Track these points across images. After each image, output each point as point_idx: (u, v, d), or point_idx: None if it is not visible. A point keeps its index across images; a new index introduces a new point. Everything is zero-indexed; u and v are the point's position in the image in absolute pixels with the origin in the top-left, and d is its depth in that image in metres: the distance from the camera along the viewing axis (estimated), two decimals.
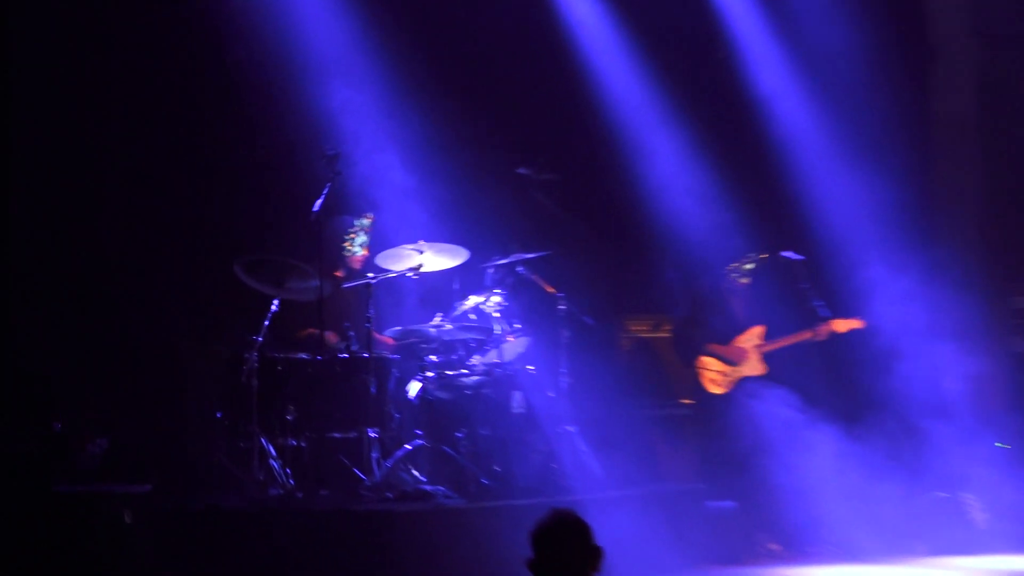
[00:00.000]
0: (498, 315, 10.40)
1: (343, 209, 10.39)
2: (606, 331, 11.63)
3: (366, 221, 10.30)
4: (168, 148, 11.00)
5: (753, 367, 11.30)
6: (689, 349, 11.32)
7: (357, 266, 10.40)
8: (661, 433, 11.41)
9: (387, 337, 10.36)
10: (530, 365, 10.44)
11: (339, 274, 10.46)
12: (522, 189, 11.71)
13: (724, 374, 11.29)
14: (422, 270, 10.18)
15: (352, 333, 9.95)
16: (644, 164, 11.82)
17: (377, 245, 10.43)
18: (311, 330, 10.04)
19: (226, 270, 10.04)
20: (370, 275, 10.04)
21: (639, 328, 12.06)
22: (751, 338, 11.33)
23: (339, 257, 10.36)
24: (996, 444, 10.74)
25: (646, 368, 11.80)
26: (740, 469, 10.74)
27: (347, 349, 9.90)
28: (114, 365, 10.80)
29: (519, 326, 10.53)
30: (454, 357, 10.34)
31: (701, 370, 11.33)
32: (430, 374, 10.15)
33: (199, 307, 11.02)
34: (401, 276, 10.16)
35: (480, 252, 10.60)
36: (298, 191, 10.41)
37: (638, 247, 11.93)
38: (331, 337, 9.95)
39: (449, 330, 10.21)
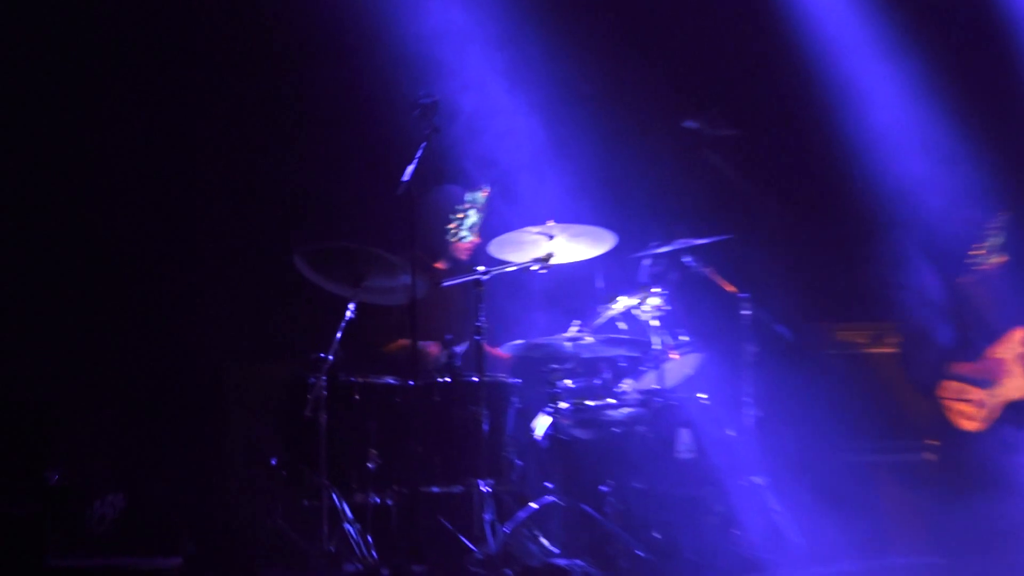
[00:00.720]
0: (657, 324, 9.48)
1: (445, 178, 9.64)
2: (808, 345, 10.55)
3: (481, 195, 9.55)
4: (196, 100, 10.15)
5: (1020, 386, 9.95)
6: (925, 371, 10.06)
7: (464, 256, 9.65)
8: (889, 487, 10.29)
9: (504, 353, 9.57)
10: (702, 393, 9.55)
11: (440, 266, 9.66)
12: (690, 151, 10.69)
13: (979, 403, 9.95)
14: (552, 262, 9.17)
15: (456, 349, 9.14)
16: (858, 113, 10.54)
17: (491, 228, 9.48)
18: (402, 342, 9.28)
19: (284, 264, 9.17)
20: (480, 269, 8.98)
21: (855, 340, 10.84)
22: (1013, 345, 9.99)
23: (439, 244, 9.61)
24: None
25: (866, 396, 10.54)
26: (1008, 541, 9.40)
27: (450, 370, 9.07)
28: (131, 394, 10.08)
29: (686, 339, 9.66)
30: (597, 382, 9.56)
31: (946, 401, 10.05)
32: (564, 405, 9.27)
33: (248, 315, 10.20)
34: (523, 270, 9.23)
35: (632, 237, 9.61)
36: (381, 155, 9.60)
37: (850, 228, 10.73)
38: (432, 349, 9.28)
39: (590, 344, 9.33)
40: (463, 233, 9.55)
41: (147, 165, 10.12)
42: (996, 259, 9.95)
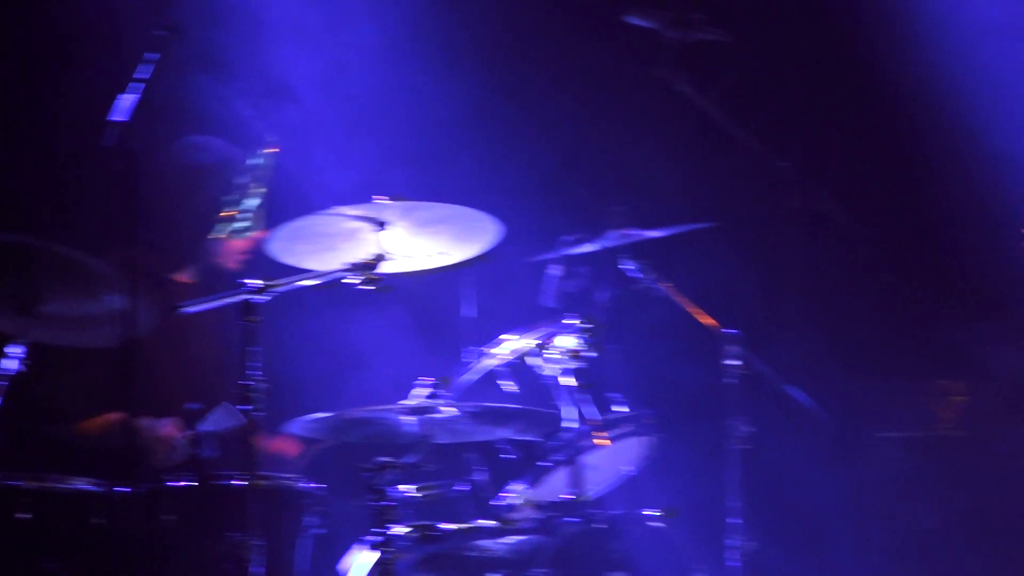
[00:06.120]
0: (573, 382, 7.02)
1: (199, 123, 7.19)
2: (849, 421, 7.93)
3: (263, 161, 7.12)
4: None
5: None
6: None
7: (235, 263, 7.36)
8: None
9: (292, 440, 7.13)
10: (653, 509, 6.92)
11: (183, 279, 7.36)
12: (640, 67, 7.92)
13: None
14: (384, 270, 6.55)
15: (208, 427, 6.80)
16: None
17: (278, 208, 7.07)
18: (108, 416, 7.01)
19: None
20: (255, 283, 6.41)
21: (938, 409, 8.11)
22: None
23: (190, 241, 7.31)
24: None
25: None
26: None
27: (195, 467, 6.63)
28: None
29: (624, 409, 7.15)
30: (462, 488, 7.21)
31: None
32: (399, 530, 6.59)
33: None
34: (338, 284, 6.59)
35: (529, 227, 7.19)
36: (73, 77, 7.12)
37: (935, 222, 7.95)
38: (165, 430, 6.83)
39: (451, 420, 6.88)
40: (239, 225, 7.06)
41: None
42: None
